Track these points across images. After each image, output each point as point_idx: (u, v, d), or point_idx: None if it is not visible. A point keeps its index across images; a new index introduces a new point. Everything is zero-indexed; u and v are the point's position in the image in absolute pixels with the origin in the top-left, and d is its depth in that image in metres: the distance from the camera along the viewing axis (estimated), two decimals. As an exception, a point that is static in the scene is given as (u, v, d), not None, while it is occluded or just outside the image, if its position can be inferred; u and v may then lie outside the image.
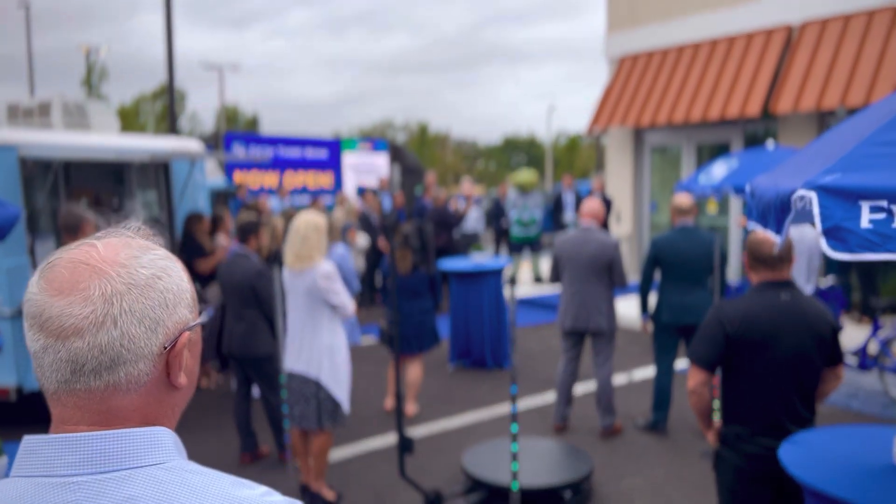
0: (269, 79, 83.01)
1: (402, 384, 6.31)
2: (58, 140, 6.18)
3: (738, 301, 2.84)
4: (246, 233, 5.20)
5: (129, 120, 40.99)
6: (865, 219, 1.47)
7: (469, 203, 11.30)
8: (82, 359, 0.85)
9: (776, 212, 1.74)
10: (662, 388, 5.57)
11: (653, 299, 5.65)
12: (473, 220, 11.85)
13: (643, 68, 12.16)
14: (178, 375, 0.92)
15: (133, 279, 0.88)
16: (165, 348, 0.90)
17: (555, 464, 4.62)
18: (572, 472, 4.42)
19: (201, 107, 72.14)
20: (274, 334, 5.00)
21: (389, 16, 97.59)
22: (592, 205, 5.55)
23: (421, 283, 5.98)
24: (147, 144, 7.27)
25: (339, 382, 4.35)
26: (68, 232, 4.53)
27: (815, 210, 1.51)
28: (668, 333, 5.49)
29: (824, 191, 1.52)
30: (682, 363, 6.94)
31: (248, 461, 5.21)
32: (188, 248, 6.93)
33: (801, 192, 1.55)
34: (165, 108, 44.61)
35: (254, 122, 50.10)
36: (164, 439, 0.89)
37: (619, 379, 7.04)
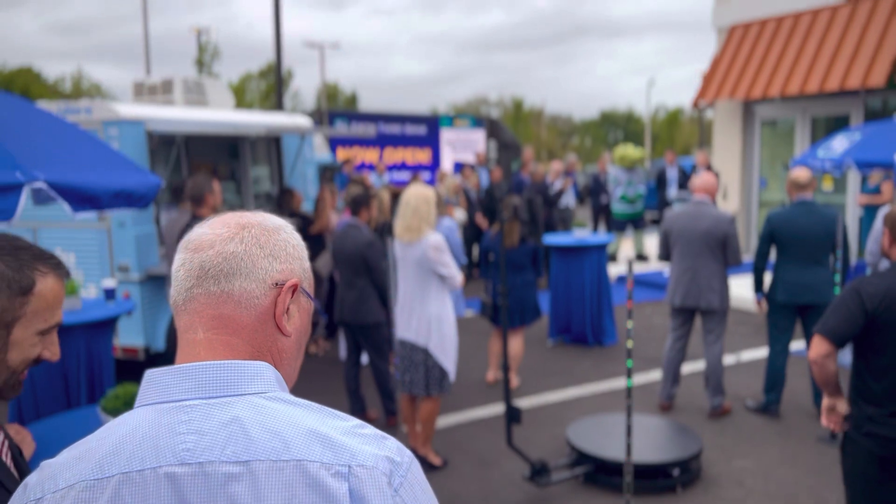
0: (367, 57, 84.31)
1: (498, 356, 6.37)
2: (180, 115, 6.52)
3: (881, 276, 2.69)
4: (358, 205, 5.34)
5: (237, 97, 42.64)
6: None
7: (568, 180, 11.17)
8: (207, 264, 0.97)
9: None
10: (776, 370, 5.38)
11: (768, 277, 5.44)
12: (567, 195, 11.72)
13: (755, 37, 11.59)
14: (283, 317, 1.00)
15: (264, 223, 1.04)
16: (277, 284, 1.00)
17: (662, 441, 4.56)
18: (681, 450, 4.36)
19: (303, 85, 74.26)
20: (384, 303, 5.15)
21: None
22: (707, 179, 5.39)
23: (525, 256, 5.99)
24: (261, 120, 7.56)
25: (446, 351, 4.45)
26: (194, 202, 4.79)
27: None
28: (783, 313, 5.29)
29: None
30: (797, 344, 6.66)
31: (357, 425, 5.40)
32: (293, 222, 7.19)
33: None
34: (270, 86, 46.11)
35: (353, 100, 51.08)
36: (267, 373, 0.97)
37: (727, 359, 6.84)
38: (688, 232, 5.25)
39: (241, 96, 45.05)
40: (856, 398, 2.79)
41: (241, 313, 0.98)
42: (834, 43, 10.32)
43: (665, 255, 5.48)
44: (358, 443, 0.91)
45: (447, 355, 4.47)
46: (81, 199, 2.45)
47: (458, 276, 4.43)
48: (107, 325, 4.53)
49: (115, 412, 2.64)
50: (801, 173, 5.26)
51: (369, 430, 0.95)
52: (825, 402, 2.89)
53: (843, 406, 2.87)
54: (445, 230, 5.88)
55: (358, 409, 5.42)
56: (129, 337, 6.07)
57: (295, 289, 1.02)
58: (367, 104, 60.09)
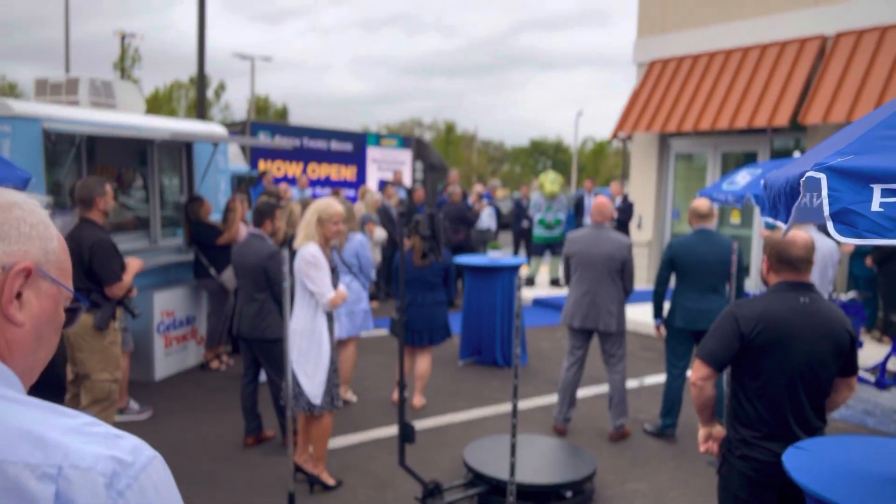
0: (301, 74, 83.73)
1: (407, 376, 6.29)
2: (81, 115, 6.23)
3: (756, 301, 2.76)
4: (262, 215, 5.20)
5: (163, 106, 41.44)
6: (876, 202, 1.40)
7: (482, 201, 11.29)
8: None
9: (786, 198, 1.68)
10: (673, 394, 5.49)
11: (667, 304, 5.56)
12: (486, 217, 11.85)
13: (672, 73, 12.03)
14: (10, 305, 0.91)
15: None
16: (3, 269, 0.91)
17: (557, 462, 4.56)
18: (574, 471, 4.36)
19: (235, 98, 72.91)
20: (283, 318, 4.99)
21: (423, 18, 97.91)
22: (600, 202, 5.46)
23: (435, 274, 5.95)
24: (169, 124, 7.32)
25: (302, 367, 4.29)
26: (82, 204, 4.55)
27: (824, 193, 1.45)
28: (680, 338, 5.41)
29: (834, 172, 1.46)
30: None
31: (252, 444, 5.20)
32: (199, 231, 6.96)
33: (811, 173, 1.49)
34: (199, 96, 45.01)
35: (283, 114, 50.44)
36: None
37: (630, 384, 6.95)
38: (588, 255, 5.32)
39: (169, 105, 43.84)
40: (732, 421, 2.84)
41: None
42: (744, 83, 10.80)
43: (569, 278, 5.53)
44: (79, 442, 0.82)
45: (302, 371, 4.31)
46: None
47: (327, 295, 4.26)
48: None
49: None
50: (701, 203, 5.42)
51: (102, 428, 0.86)
52: (701, 431, 2.93)
53: (718, 431, 2.92)
54: (357, 245, 5.79)
55: (254, 427, 5.23)
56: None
57: (28, 273, 0.93)
58: (298, 119, 59.51)
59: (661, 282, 5.44)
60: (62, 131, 5.84)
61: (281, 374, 5.05)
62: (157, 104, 39.92)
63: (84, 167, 6.57)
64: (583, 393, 6.58)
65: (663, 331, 5.54)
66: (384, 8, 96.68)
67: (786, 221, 1.73)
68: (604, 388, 6.55)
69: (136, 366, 6.63)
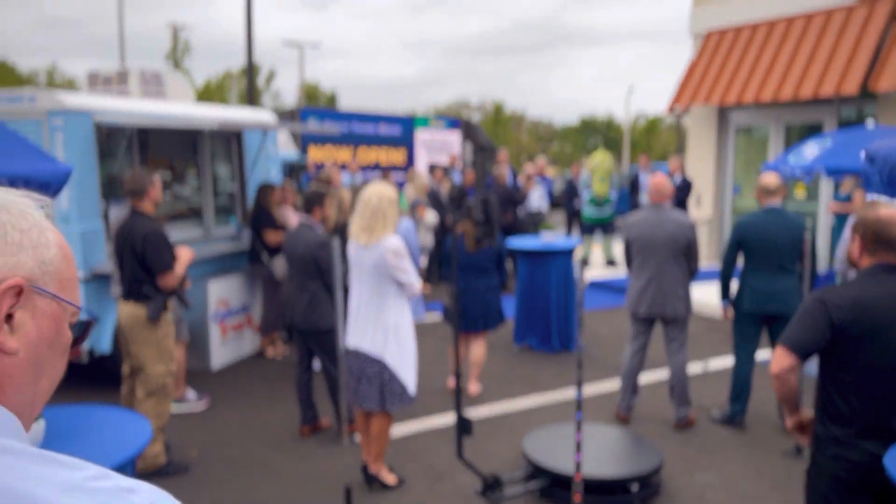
0: (350, 60, 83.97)
1: (462, 362, 6.17)
2: (131, 107, 6.24)
3: (848, 285, 2.51)
4: (311, 203, 5.12)
5: (216, 95, 42.04)
6: None
7: (531, 181, 10.99)
8: None
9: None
10: (742, 379, 5.23)
11: (734, 285, 5.29)
12: (537, 198, 11.54)
13: (730, 44, 11.52)
14: None
15: None
16: None
17: (622, 454, 4.38)
18: (640, 463, 4.17)
19: (285, 86, 73.74)
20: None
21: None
22: (659, 181, 5.20)
23: (488, 259, 5.79)
24: (219, 114, 7.30)
25: (405, 362, 4.18)
26: (133, 196, 4.52)
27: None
28: (749, 321, 5.14)
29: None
30: (764, 353, 6.53)
31: (308, 433, 5.16)
32: (259, 219, 6.94)
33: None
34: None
35: (332, 100, 50.69)
36: None
37: (694, 368, 6.69)
38: (650, 238, 5.08)
39: (222, 94, 44.47)
40: (821, 417, 2.61)
41: None
42: (808, 51, 10.26)
43: (630, 263, 5.30)
44: (80, 502, 0.68)
45: (406, 367, 4.20)
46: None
47: (416, 283, 4.19)
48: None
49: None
50: (769, 179, 5.12)
51: (110, 482, 0.73)
52: (789, 421, 2.71)
53: (808, 415, 2.69)
54: (403, 231, 5.68)
55: (309, 417, 5.18)
56: (72, 338, 5.78)
57: (20, 290, 0.79)
58: (347, 105, 59.78)
59: (729, 263, 5.17)
60: (113, 123, 5.86)
61: (335, 364, 4.98)
62: (211, 94, 40.52)
63: (136, 158, 6.60)
64: (646, 378, 6.35)
65: (730, 313, 5.28)
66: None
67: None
68: (667, 374, 6.31)
69: (193, 355, 6.67)
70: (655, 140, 56.85)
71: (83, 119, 5.72)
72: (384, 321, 4.11)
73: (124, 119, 5.92)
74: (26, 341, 0.79)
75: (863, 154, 1.91)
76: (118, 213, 5.26)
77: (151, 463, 4.45)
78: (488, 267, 5.83)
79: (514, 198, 10.33)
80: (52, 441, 2.55)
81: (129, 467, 2.54)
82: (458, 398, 4.10)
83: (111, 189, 6.21)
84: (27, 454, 0.72)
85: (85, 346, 5.75)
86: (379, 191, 4.14)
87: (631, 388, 5.36)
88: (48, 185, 2.66)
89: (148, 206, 4.56)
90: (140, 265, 4.44)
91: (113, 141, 6.18)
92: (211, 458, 4.79)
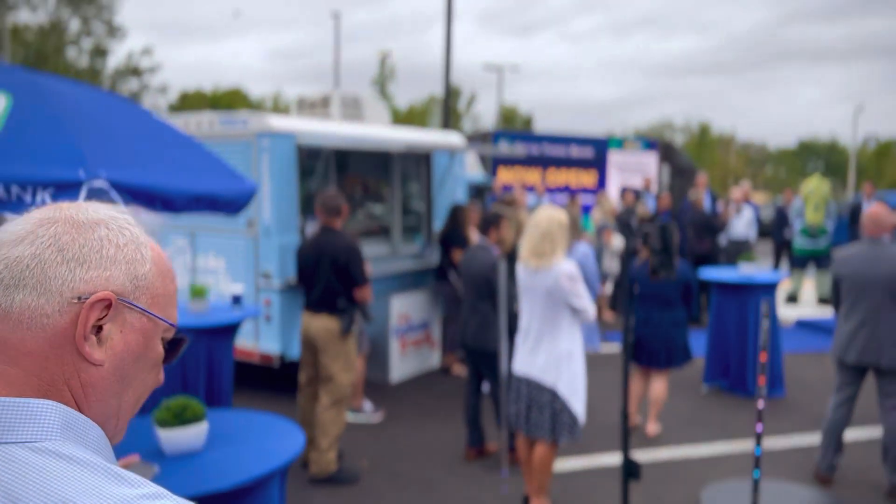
0: (551, 83, 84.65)
1: (640, 398, 5.80)
2: (329, 129, 6.64)
3: None
4: (487, 224, 5.10)
5: (418, 119, 44.18)
6: None
7: (731, 207, 10.15)
8: None
9: None
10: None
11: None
12: (744, 225, 10.60)
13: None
14: (84, 340, 0.78)
15: (75, 217, 0.83)
16: (80, 299, 0.78)
17: (818, 521, 3.83)
18: (841, 535, 3.62)
19: (486, 109, 76.04)
20: (511, 330, 4.81)
21: (677, 17, 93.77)
22: (877, 212, 4.52)
23: (673, 290, 5.41)
24: (408, 136, 7.56)
25: (576, 392, 4.01)
26: (329, 213, 4.73)
27: None
28: None
29: None
30: None
31: (474, 457, 5.10)
32: (449, 237, 7.05)
33: None
34: (451, 109, 47.46)
35: (529, 123, 51.17)
36: (47, 415, 0.75)
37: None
38: (864, 276, 4.43)
39: (425, 118, 46.66)
40: None
41: (23, 336, 0.77)
42: None
43: (838, 303, 4.67)
44: None
45: (577, 397, 4.02)
46: (150, 199, 2.43)
47: (591, 309, 4.01)
48: (228, 331, 4.61)
49: (163, 423, 2.57)
50: None
51: (162, 501, 0.73)
52: None
53: None
54: (581, 256, 5.46)
55: (476, 440, 5.12)
56: (266, 344, 6.22)
57: (109, 303, 0.80)
58: (544, 127, 60.08)
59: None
60: (311, 144, 6.26)
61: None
62: (412, 117, 42.65)
63: (332, 177, 7.01)
64: (855, 435, 5.57)
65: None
66: (635, 10, 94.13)
67: None
68: (879, 431, 5.49)
69: (373, 368, 6.91)
70: (888, 165, 50.88)
71: (287, 140, 6.17)
72: (557, 348, 3.97)
73: (322, 140, 6.30)
74: (113, 354, 0.82)
75: None
76: (313, 228, 5.59)
77: (325, 468, 4.63)
78: (674, 298, 5.44)
79: (712, 224, 9.63)
80: (214, 442, 2.70)
81: (278, 477, 2.62)
82: (626, 437, 3.81)
83: (309, 206, 6.64)
84: (92, 466, 0.73)
85: (276, 350, 6.14)
86: (547, 214, 4.03)
87: (834, 444, 4.70)
88: (233, 202, 2.86)
89: (340, 223, 4.79)
90: (337, 278, 4.65)
91: (311, 160, 6.60)
92: (380, 470, 4.89)
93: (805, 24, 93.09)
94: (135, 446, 2.65)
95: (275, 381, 6.68)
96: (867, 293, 4.44)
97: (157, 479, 2.35)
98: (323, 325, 4.64)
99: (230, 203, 2.85)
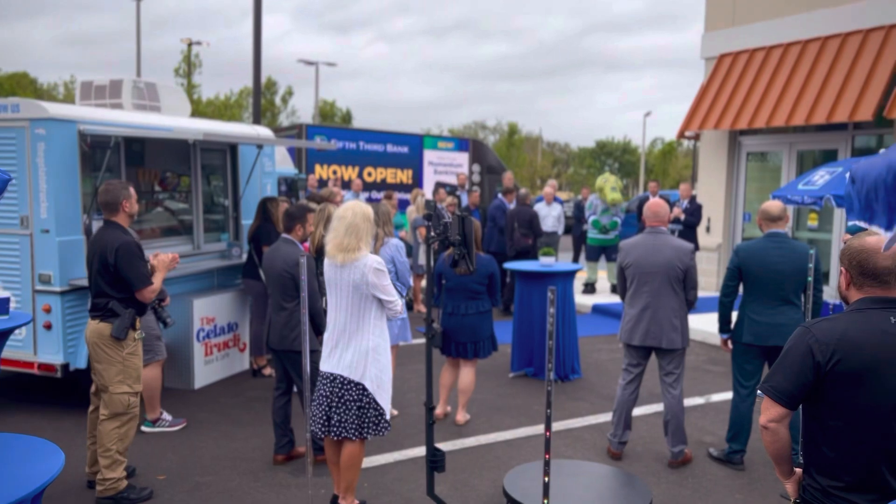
0: (370, 82, 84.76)
1: (449, 388, 5.91)
2: (117, 117, 6.10)
3: (833, 322, 2.25)
4: (291, 220, 4.93)
5: (230, 112, 42.24)
6: None
7: (528, 200, 10.74)
8: None
9: (887, 192, 1.23)
10: (741, 417, 4.93)
11: (734, 315, 5.01)
12: (553, 219, 11.29)
13: (743, 67, 11.30)
14: None
15: None
16: None
17: (609, 495, 4.10)
18: (627, 504, 3.89)
19: (305, 104, 74.34)
20: (317, 329, 4.67)
21: (489, 23, 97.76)
22: (656, 204, 4.96)
23: (478, 282, 5.56)
24: (207, 126, 7.16)
25: (382, 386, 3.96)
26: (107, 208, 4.34)
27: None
28: (749, 355, 4.85)
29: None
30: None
31: (282, 461, 4.92)
32: (260, 233, 6.73)
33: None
34: (267, 102, 45.85)
35: (348, 118, 50.85)
36: None
37: (695, 401, 6.40)
38: (646, 265, 4.82)
39: (237, 111, 44.75)
40: (808, 467, 2.35)
41: None
42: (822, 75, 10.01)
43: (625, 290, 5.04)
44: None
45: (384, 391, 3.97)
46: None
47: (399, 303, 3.98)
48: (-7, 341, 4.07)
49: None
50: (772, 205, 4.87)
51: None
52: (789, 487, 2.43)
53: (795, 480, 2.43)
54: (393, 250, 5.45)
55: (284, 444, 4.94)
56: (47, 354, 5.60)
57: None
58: (362, 124, 60.10)
59: (728, 292, 4.90)
60: (96, 133, 5.72)
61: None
62: (221, 110, 40.78)
63: (123, 170, 6.46)
64: (641, 411, 6.07)
65: (730, 346, 5.00)
66: (450, 14, 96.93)
67: (886, 226, 1.27)
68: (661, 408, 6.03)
69: (175, 374, 6.47)
70: (672, 165, 56.50)
71: (67, 128, 5.58)
72: (363, 343, 3.90)
73: (108, 129, 5.77)
74: None
75: (847, 175, 1.67)
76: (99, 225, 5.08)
77: (111, 488, 4.22)
78: (479, 290, 5.60)
79: (534, 222, 10.01)
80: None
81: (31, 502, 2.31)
82: (430, 429, 3.84)
83: (94, 202, 6.06)
84: None
85: (59, 359, 5.54)
86: (353, 206, 3.95)
87: (623, 422, 5.07)
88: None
89: (123, 218, 4.38)
90: (106, 280, 4.24)
91: (98, 151, 6.03)
92: (179, 482, 4.56)
93: (601, 36, 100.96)
94: None
95: (70, 394, 6.02)
96: (648, 280, 4.82)
97: None
98: (94, 330, 4.23)
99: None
